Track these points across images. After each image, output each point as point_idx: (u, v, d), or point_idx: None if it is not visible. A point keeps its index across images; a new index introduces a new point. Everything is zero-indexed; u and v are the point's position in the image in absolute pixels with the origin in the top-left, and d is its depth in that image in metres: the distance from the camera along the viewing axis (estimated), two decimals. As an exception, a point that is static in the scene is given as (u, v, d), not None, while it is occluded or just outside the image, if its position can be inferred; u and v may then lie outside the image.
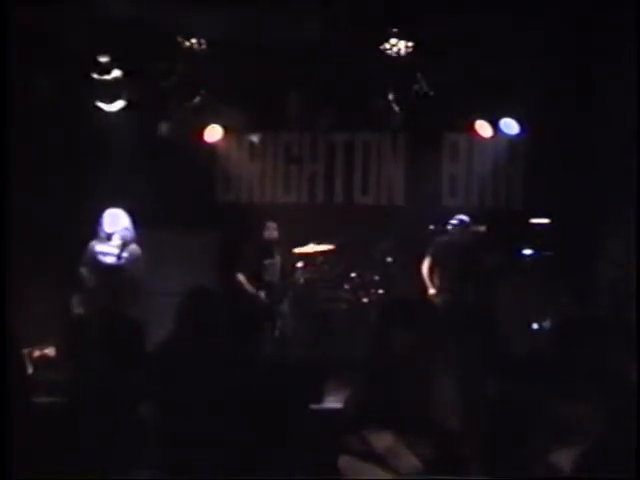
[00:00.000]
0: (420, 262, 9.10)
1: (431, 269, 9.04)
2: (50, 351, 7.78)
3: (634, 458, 2.93)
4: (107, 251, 7.83)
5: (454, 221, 9.01)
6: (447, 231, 9.06)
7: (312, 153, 10.57)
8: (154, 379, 4.41)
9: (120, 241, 7.76)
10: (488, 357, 4.59)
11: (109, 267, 7.67)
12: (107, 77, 8.74)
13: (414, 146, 10.36)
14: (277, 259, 9.02)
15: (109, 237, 7.83)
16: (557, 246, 9.53)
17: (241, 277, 8.88)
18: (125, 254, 7.74)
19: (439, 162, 10.41)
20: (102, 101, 9.00)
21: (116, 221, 7.87)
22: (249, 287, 8.85)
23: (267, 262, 8.96)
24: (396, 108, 9.45)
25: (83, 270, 7.80)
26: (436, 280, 8.98)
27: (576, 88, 8.98)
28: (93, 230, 8.00)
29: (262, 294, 8.86)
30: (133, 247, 7.84)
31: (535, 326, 8.92)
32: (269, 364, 6.74)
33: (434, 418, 2.86)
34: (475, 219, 9.90)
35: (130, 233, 7.85)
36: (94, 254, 7.83)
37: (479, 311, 8.40)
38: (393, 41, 8.42)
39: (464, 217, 9.05)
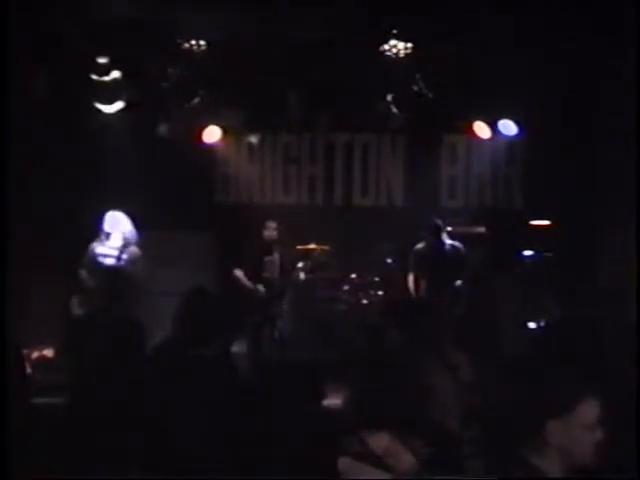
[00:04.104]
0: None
1: (416, 280, 9.03)
2: (49, 352, 7.78)
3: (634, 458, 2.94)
4: (107, 252, 7.84)
5: (429, 227, 8.99)
6: (425, 239, 9.04)
7: (311, 154, 10.57)
8: (154, 379, 4.41)
9: (121, 242, 7.77)
10: (485, 358, 4.59)
11: (109, 268, 7.68)
12: (106, 78, 8.74)
13: (413, 147, 10.36)
14: (277, 260, 9.02)
15: (110, 238, 7.85)
16: (556, 247, 9.54)
17: (241, 277, 8.87)
18: (125, 255, 7.76)
19: (438, 163, 10.41)
20: (101, 102, 9.00)
21: (117, 223, 7.88)
22: (249, 288, 8.84)
23: (267, 263, 8.96)
24: (395, 109, 9.46)
25: (83, 271, 7.81)
26: (422, 290, 8.97)
27: (575, 88, 8.99)
28: (93, 230, 8.02)
29: (262, 294, 8.86)
30: (133, 248, 7.86)
31: (531, 328, 8.91)
32: (268, 364, 6.74)
33: (432, 418, 2.86)
34: (473, 220, 9.95)
35: (131, 235, 7.87)
36: (94, 255, 7.85)
37: (473, 313, 8.43)
38: (392, 42, 8.43)
39: (438, 221, 9.02)
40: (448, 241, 9.03)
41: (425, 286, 8.95)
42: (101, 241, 7.92)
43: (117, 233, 7.87)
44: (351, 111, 9.77)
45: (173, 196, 9.70)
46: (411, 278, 9.07)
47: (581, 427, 2.60)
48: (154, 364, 4.56)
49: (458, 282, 8.83)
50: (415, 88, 9.13)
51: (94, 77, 8.70)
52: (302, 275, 9.29)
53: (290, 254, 9.32)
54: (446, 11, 7.74)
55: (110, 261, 7.78)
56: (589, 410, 2.62)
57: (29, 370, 5.35)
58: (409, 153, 10.42)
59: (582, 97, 9.09)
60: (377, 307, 9.42)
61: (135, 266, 7.81)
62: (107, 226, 7.90)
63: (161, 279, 8.69)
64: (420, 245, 9.12)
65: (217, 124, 9.93)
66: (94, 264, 7.81)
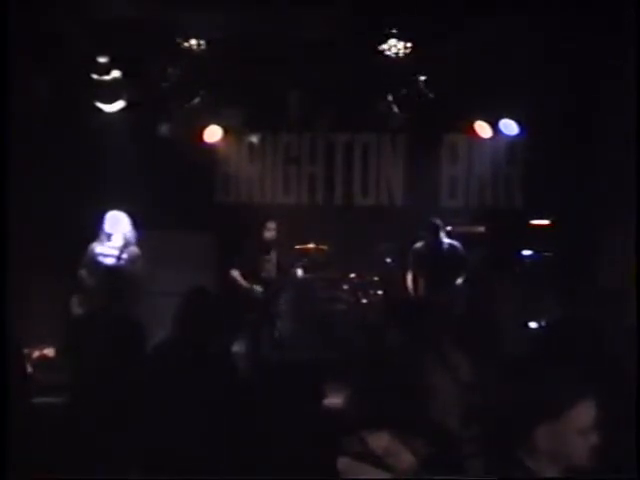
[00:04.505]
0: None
1: (415, 279, 9.03)
2: (49, 352, 7.77)
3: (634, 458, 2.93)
4: (107, 252, 7.84)
5: (428, 227, 8.99)
6: (424, 238, 9.05)
7: (311, 154, 10.57)
8: (154, 379, 4.41)
9: (121, 243, 7.77)
10: (485, 358, 4.59)
11: (109, 268, 7.68)
12: (106, 77, 8.74)
13: (414, 147, 10.36)
14: (277, 260, 9.02)
15: (110, 239, 7.85)
16: (556, 247, 9.54)
17: (240, 278, 8.87)
18: (125, 255, 7.76)
19: (438, 163, 10.41)
20: (102, 101, 9.00)
21: (117, 223, 7.88)
22: (248, 288, 8.84)
23: (267, 263, 8.96)
24: (395, 109, 9.46)
25: (83, 271, 7.80)
26: (421, 289, 8.97)
27: (575, 88, 8.99)
28: (92, 230, 8.02)
29: (262, 294, 8.86)
30: (133, 249, 7.85)
31: (531, 328, 8.91)
32: (268, 363, 6.74)
33: (432, 418, 2.86)
34: (474, 220, 9.94)
35: (131, 235, 7.87)
36: (94, 255, 7.85)
37: (473, 313, 8.44)
38: (393, 42, 8.43)
39: (437, 221, 9.02)
40: (447, 240, 9.04)
41: (424, 285, 8.96)
42: (101, 241, 7.93)
43: (118, 233, 7.87)
44: (351, 111, 9.77)
45: (173, 196, 9.70)
46: (410, 277, 9.07)
47: (581, 428, 2.60)
48: (154, 364, 4.56)
49: (457, 281, 8.84)
50: (415, 88, 9.13)
51: (94, 77, 8.70)
52: (300, 272, 9.30)
53: (290, 254, 9.32)
54: (446, 11, 7.73)
55: (110, 261, 7.78)
56: (588, 411, 2.62)
57: (29, 370, 5.36)
58: (409, 153, 10.41)
59: (582, 97, 9.08)
60: (377, 307, 9.42)
61: (135, 266, 7.82)
62: (108, 226, 7.90)
63: (161, 279, 8.69)
64: (419, 244, 9.13)
65: (217, 124, 9.93)
66: (94, 264, 7.81)
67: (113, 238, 7.88)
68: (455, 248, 9.01)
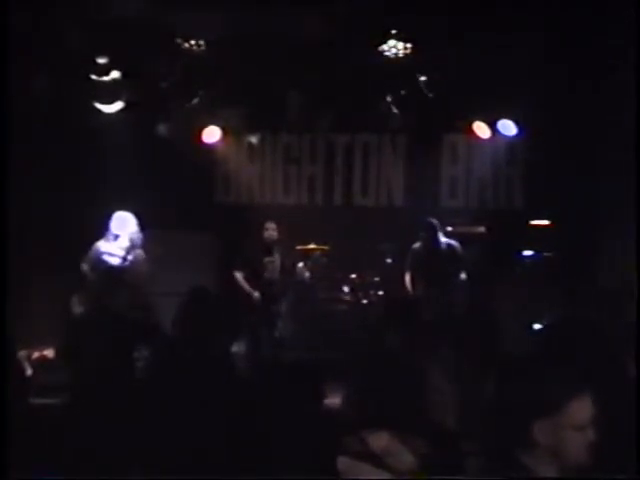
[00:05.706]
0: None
1: (412, 280, 9.00)
2: (49, 352, 7.76)
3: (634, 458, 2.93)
4: (112, 252, 7.80)
5: (425, 227, 8.95)
6: (422, 238, 9.01)
7: (311, 154, 10.57)
8: (154, 379, 4.41)
9: (127, 244, 7.74)
10: (484, 358, 4.59)
11: (112, 268, 7.65)
12: (106, 78, 8.74)
13: (414, 147, 10.36)
14: (277, 260, 9.01)
15: (116, 239, 7.81)
16: (556, 247, 9.54)
17: (241, 278, 8.86)
18: (130, 257, 7.71)
19: (438, 163, 10.42)
20: (101, 102, 9.00)
21: (124, 224, 7.84)
22: (249, 288, 8.83)
23: (267, 263, 8.94)
24: (395, 109, 9.46)
25: (86, 269, 7.76)
26: (419, 289, 8.94)
27: (575, 88, 8.99)
28: (93, 230, 8.00)
29: (261, 295, 8.85)
30: (139, 251, 7.80)
31: (531, 328, 8.89)
32: (268, 364, 6.74)
33: (432, 417, 2.86)
34: (474, 220, 9.94)
35: (138, 237, 7.83)
36: (99, 254, 7.79)
37: (473, 312, 8.42)
38: (392, 42, 8.44)
39: (433, 220, 8.97)
40: (444, 240, 8.98)
41: (423, 285, 8.94)
42: (107, 240, 7.87)
43: (124, 234, 7.82)
44: (351, 111, 9.77)
45: (173, 196, 9.70)
46: (408, 278, 9.04)
47: (580, 428, 2.60)
48: (154, 364, 4.56)
49: (456, 281, 8.81)
50: (415, 88, 9.13)
51: (94, 77, 8.70)
52: (302, 275, 9.29)
53: (290, 254, 9.31)
54: (446, 11, 7.74)
55: (115, 261, 7.74)
56: (588, 411, 2.62)
57: (29, 370, 5.36)
58: (409, 153, 10.42)
59: (582, 97, 9.08)
60: (377, 307, 9.42)
61: (139, 269, 7.77)
62: (114, 227, 7.85)
63: (161, 279, 8.67)
64: (417, 245, 9.10)
65: (217, 124, 9.93)
66: (98, 262, 7.76)
67: (119, 239, 7.84)
68: (453, 247, 8.97)
